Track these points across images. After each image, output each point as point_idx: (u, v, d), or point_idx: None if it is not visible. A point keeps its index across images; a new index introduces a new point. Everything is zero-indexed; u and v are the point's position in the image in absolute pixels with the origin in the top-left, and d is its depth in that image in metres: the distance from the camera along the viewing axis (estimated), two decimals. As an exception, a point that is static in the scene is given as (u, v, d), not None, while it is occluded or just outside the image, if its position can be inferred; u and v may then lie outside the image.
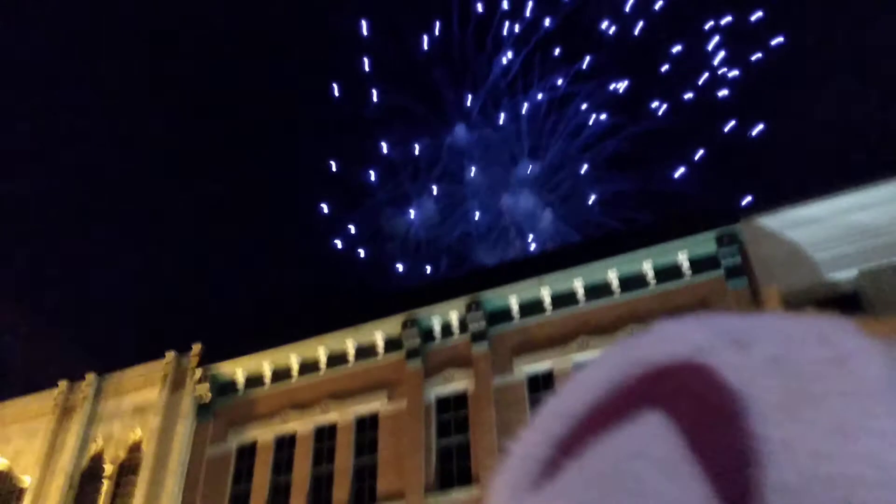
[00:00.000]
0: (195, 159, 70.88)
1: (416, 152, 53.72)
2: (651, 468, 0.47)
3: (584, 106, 53.34)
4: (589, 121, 52.65)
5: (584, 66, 54.22)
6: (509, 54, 54.72)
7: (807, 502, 0.44)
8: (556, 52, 55.14)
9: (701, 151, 54.85)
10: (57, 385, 22.52)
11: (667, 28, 57.06)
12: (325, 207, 55.26)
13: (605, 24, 56.89)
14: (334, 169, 55.75)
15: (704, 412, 0.48)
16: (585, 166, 52.57)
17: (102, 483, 20.40)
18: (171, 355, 21.51)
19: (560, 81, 53.56)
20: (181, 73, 72.50)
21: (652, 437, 0.48)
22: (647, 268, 18.40)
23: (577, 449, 0.50)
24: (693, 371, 0.51)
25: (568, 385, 0.56)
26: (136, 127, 71.81)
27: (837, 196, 17.69)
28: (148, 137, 71.51)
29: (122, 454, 20.69)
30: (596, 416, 0.51)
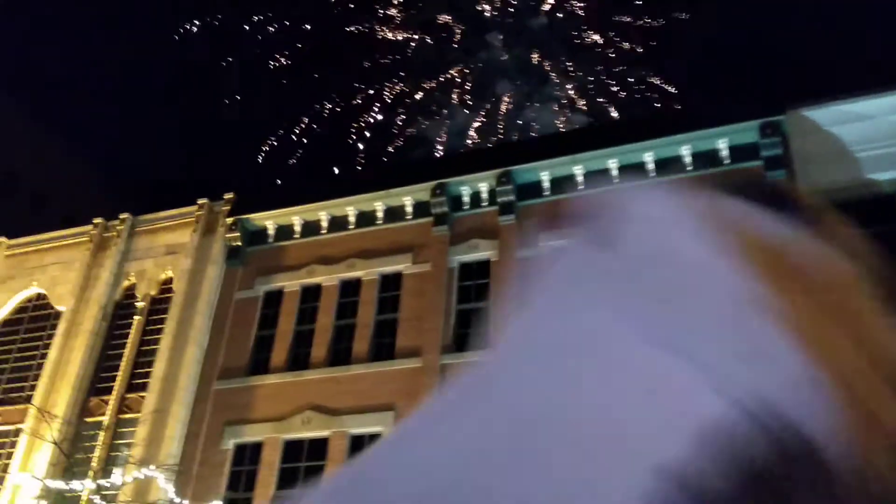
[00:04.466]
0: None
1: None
2: None
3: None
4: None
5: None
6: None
7: None
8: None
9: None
10: (93, 222, 23.20)
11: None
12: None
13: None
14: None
15: None
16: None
17: (134, 316, 21.26)
18: (204, 201, 21.96)
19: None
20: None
21: None
22: (685, 152, 18.13)
23: None
24: None
25: None
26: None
27: (888, 94, 17.10)
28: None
29: (154, 291, 21.44)
30: None
